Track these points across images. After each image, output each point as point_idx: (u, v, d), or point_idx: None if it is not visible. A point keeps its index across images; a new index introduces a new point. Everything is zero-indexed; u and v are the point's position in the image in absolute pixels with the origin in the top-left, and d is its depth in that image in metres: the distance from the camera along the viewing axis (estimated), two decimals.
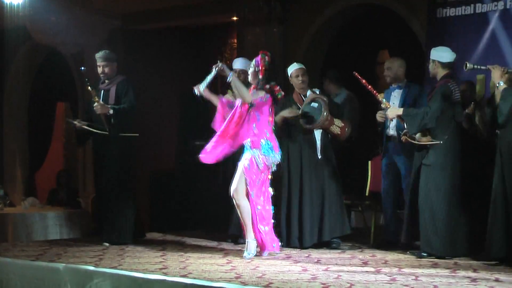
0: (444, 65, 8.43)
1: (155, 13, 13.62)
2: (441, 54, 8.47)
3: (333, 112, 9.21)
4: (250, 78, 8.38)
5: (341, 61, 12.18)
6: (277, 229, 8.93)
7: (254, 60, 8.29)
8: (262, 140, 8.16)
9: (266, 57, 8.22)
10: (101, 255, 8.45)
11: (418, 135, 8.32)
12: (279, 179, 10.03)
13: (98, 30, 13.26)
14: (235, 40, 13.61)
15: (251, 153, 8.18)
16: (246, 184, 8.16)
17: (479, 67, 8.05)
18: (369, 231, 9.88)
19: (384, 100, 8.69)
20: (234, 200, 8.25)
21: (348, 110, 9.81)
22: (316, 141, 9.17)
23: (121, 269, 7.42)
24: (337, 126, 9.20)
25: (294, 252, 8.75)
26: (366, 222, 10.31)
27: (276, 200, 10.48)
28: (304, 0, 12.37)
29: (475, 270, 7.39)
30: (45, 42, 13.52)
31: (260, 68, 8.19)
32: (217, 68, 8.25)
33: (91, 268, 7.49)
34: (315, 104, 9.13)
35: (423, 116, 8.21)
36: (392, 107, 8.61)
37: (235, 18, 13.33)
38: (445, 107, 8.26)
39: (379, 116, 8.90)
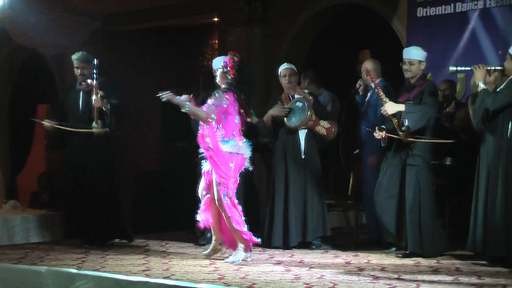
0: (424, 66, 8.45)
1: (136, 14, 13.59)
2: (424, 55, 8.46)
3: (318, 113, 9.23)
4: (218, 79, 8.12)
5: (322, 60, 12.20)
6: (260, 229, 8.96)
7: (222, 61, 8.13)
8: (229, 139, 7.94)
9: (235, 57, 8.02)
10: (84, 257, 8.43)
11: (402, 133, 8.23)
12: (264, 179, 10.08)
13: (79, 31, 13.20)
14: (216, 41, 13.60)
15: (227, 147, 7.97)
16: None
17: (463, 68, 8.00)
18: (351, 231, 9.90)
19: (383, 95, 8.41)
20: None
21: (332, 111, 9.81)
22: (300, 141, 9.19)
23: (104, 271, 7.39)
24: (323, 127, 9.22)
25: (277, 253, 8.75)
26: (349, 222, 10.33)
27: (258, 200, 10.56)
28: (285, 0, 12.37)
29: (457, 269, 7.42)
30: (25, 44, 13.43)
31: (228, 68, 7.99)
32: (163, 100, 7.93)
33: (74, 270, 7.45)
34: (299, 104, 9.15)
35: (425, 113, 8.16)
36: (390, 102, 8.34)
37: (216, 19, 13.32)
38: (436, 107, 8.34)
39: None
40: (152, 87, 13.66)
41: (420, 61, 8.41)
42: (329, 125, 9.26)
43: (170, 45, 14.12)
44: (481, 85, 7.67)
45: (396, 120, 8.22)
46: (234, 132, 7.97)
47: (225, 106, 7.85)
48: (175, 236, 10.30)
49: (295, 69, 9.46)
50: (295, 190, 9.13)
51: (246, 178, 9.46)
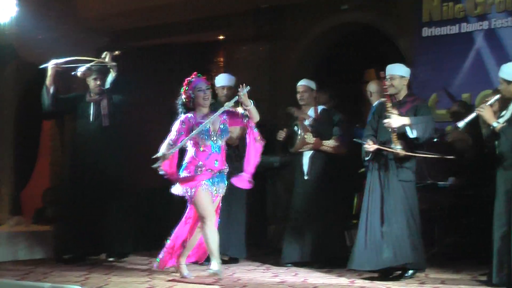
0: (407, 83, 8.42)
1: (142, 31, 13.64)
2: (408, 71, 8.41)
3: (322, 132, 9.22)
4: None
5: (329, 79, 12.22)
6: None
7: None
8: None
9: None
10: (87, 274, 8.42)
11: (396, 146, 8.18)
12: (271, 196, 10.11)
13: (86, 48, 13.23)
14: (222, 59, 13.63)
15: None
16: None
17: (470, 117, 7.82)
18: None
19: (391, 108, 8.23)
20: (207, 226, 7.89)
21: (342, 133, 9.74)
22: (302, 162, 9.20)
23: None
24: (328, 146, 9.20)
25: (281, 271, 8.74)
26: (353, 241, 10.28)
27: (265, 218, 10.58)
28: (292, 19, 12.42)
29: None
30: (32, 60, 13.49)
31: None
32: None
33: (78, 287, 7.45)
34: (296, 128, 9.21)
35: (429, 124, 8.11)
36: (395, 115, 8.17)
37: (222, 36, 13.36)
38: None
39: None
40: (157, 104, 13.75)
41: (401, 76, 8.30)
42: (336, 144, 9.23)
43: (176, 62, 14.14)
44: (495, 124, 7.57)
45: (395, 135, 8.15)
46: None
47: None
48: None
49: (310, 86, 9.44)
50: (302, 209, 9.21)
51: (249, 195, 9.50)
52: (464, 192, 9.28)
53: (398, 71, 8.31)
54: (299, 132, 9.14)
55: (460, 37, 10.39)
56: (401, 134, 8.06)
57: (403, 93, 8.33)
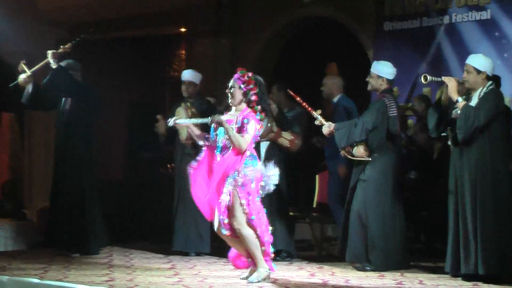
0: (389, 82, 8.44)
1: (103, 23, 13.53)
2: (388, 71, 8.44)
3: (282, 124, 9.21)
4: (231, 99, 7.44)
5: (290, 72, 12.23)
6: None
7: (235, 79, 7.41)
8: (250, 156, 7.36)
9: (251, 75, 7.44)
10: (47, 267, 8.35)
11: (354, 150, 8.27)
12: None
13: (46, 40, 13.11)
14: (184, 52, 13.59)
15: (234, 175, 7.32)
16: (244, 210, 7.29)
17: (435, 79, 7.82)
18: (316, 243, 9.91)
19: (319, 116, 8.44)
20: (236, 232, 7.31)
21: (300, 127, 9.75)
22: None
23: (67, 282, 7.33)
24: (285, 138, 9.19)
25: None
26: (314, 234, 10.32)
27: None
28: (253, 12, 12.41)
29: (421, 282, 7.45)
30: None
31: (251, 90, 7.38)
32: (212, 123, 7.46)
33: (36, 280, 7.39)
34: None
35: (350, 129, 8.21)
36: (326, 124, 8.38)
37: (183, 29, 13.31)
38: (378, 122, 8.25)
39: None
40: (119, 96, 13.68)
41: (378, 76, 8.39)
42: (292, 137, 9.22)
43: (137, 55, 14.07)
44: (460, 100, 7.52)
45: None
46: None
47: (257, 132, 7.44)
48: (139, 247, 10.24)
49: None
50: None
51: None
52: (425, 186, 9.33)
53: (377, 71, 8.43)
54: (265, 121, 9.07)
55: (421, 31, 10.47)
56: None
57: (381, 90, 8.40)
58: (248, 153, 7.32)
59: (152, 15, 13.06)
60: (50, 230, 9.75)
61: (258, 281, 7.25)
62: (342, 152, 8.37)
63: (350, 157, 8.32)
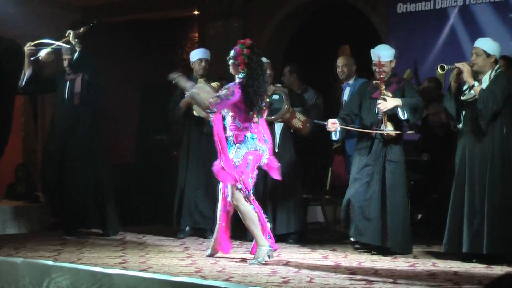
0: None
1: (115, 6, 13.54)
2: (391, 53, 8.34)
3: (295, 105, 9.19)
4: (230, 69, 7.63)
5: (302, 55, 12.21)
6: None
7: (233, 51, 7.54)
8: (247, 134, 7.49)
9: (245, 48, 7.49)
10: (60, 249, 8.38)
11: (383, 127, 8.17)
12: None
13: (58, 23, 13.12)
14: (196, 34, 13.57)
15: (235, 148, 7.52)
16: (242, 185, 7.44)
17: (450, 67, 7.77)
18: (329, 226, 9.91)
19: (385, 89, 8.14)
20: (235, 208, 7.53)
21: (315, 109, 9.77)
22: (275, 134, 9.14)
23: (80, 264, 7.35)
24: (299, 119, 9.16)
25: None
26: (327, 216, 10.33)
27: None
28: None
29: (434, 264, 7.45)
30: (2, 34, 13.33)
31: (238, 61, 7.50)
32: (173, 81, 7.77)
33: (50, 262, 7.40)
34: (276, 97, 9.10)
35: (419, 104, 8.11)
36: (390, 97, 8.10)
37: (196, 12, 13.29)
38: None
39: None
40: (130, 80, 13.68)
41: (390, 61, 8.31)
42: (305, 118, 9.21)
43: (150, 38, 14.08)
44: (476, 84, 7.54)
45: (386, 116, 8.16)
46: (252, 125, 7.50)
47: (230, 100, 7.39)
48: (152, 229, 10.26)
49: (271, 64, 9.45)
50: (270, 183, 9.07)
51: None
52: (437, 168, 9.32)
53: (387, 57, 8.27)
54: (283, 101, 9.05)
55: (435, 13, 10.42)
56: (391, 115, 8.08)
57: (390, 73, 8.33)
58: (249, 134, 7.43)
59: None
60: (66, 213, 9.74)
61: (259, 261, 7.33)
62: (334, 126, 8.20)
63: (384, 132, 8.17)
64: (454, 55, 9.70)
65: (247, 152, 7.49)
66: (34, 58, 9.54)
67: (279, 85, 9.34)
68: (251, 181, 7.55)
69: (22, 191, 12.51)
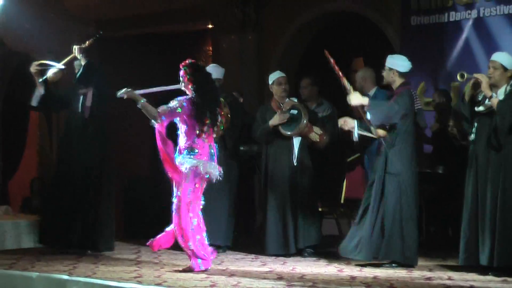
0: (401, 74, 8.28)
1: (130, 20, 13.58)
2: (399, 63, 8.31)
3: (312, 119, 9.20)
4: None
5: (315, 68, 12.20)
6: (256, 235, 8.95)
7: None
8: (192, 147, 7.70)
9: (187, 69, 7.82)
10: (75, 263, 8.40)
11: (373, 130, 8.21)
12: (258, 185, 10.04)
13: (72, 37, 13.17)
14: (210, 47, 13.60)
15: (179, 158, 7.76)
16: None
17: (470, 76, 7.80)
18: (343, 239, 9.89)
19: (348, 84, 8.34)
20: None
21: (331, 122, 9.76)
22: (294, 148, 9.14)
23: (95, 278, 7.37)
24: (316, 133, 9.19)
25: (269, 260, 8.74)
26: (341, 229, 10.31)
27: (254, 207, 10.56)
28: (279, 7, 12.40)
29: (450, 277, 7.42)
30: (18, 48, 13.43)
31: (185, 81, 7.80)
32: (125, 94, 7.85)
33: (65, 277, 7.43)
34: (294, 111, 9.12)
35: (390, 109, 8.09)
36: (355, 93, 8.30)
37: (210, 26, 13.32)
38: (409, 110, 8.19)
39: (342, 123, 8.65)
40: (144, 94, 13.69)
41: (390, 68, 8.30)
42: (322, 132, 9.23)
43: (164, 51, 14.10)
44: (494, 96, 7.56)
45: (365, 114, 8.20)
46: (195, 140, 7.70)
47: (179, 112, 7.63)
48: None
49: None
50: (288, 197, 9.09)
51: (235, 185, 9.50)
52: (452, 180, 9.29)
53: (389, 63, 8.31)
54: (302, 116, 9.06)
55: (449, 25, 10.41)
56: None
57: (398, 83, 8.32)
58: (192, 148, 7.68)
59: (178, 11, 13.08)
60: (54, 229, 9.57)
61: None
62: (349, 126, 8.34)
63: (368, 135, 8.23)
64: (469, 67, 9.67)
65: (189, 165, 7.66)
66: (42, 79, 9.57)
67: (294, 99, 9.35)
68: (189, 192, 7.72)
69: (37, 205, 12.53)
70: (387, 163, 8.11)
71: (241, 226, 9.90)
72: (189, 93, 7.79)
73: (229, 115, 9.19)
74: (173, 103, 7.66)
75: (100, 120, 9.66)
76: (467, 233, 7.69)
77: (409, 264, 8.04)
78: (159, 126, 7.69)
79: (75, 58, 9.60)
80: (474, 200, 7.66)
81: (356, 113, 8.60)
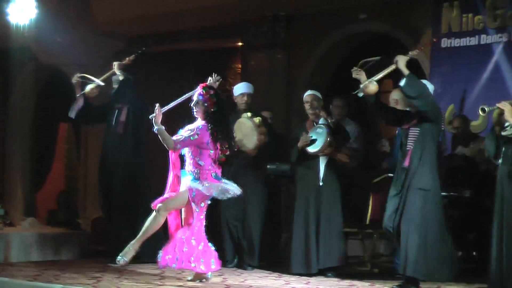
0: None
1: (159, 36, 13.65)
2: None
3: (340, 138, 9.17)
4: (195, 111, 8.07)
5: (344, 88, 12.17)
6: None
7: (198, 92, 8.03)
8: (211, 173, 7.90)
9: (210, 90, 7.97)
10: (99, 277, 8.42)
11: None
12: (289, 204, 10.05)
13: (102, 52, 13.29)
14: (239, 65, 13.63)
15: (196, 184, 7.88)
16: (193, 212, 7.89)
17: (492, 108, 7.77)
18: (368, 260, 9.84)
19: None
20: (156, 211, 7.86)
21: (358, 142, 9.77)
22: (319, 168, 9.12)
23: None
24: (345, 153, 9.19)
25: (292, 279, 8.71)
26: (366, 250, 10.25)
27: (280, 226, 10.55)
28: (308, 27, 12.42)
29: None
30: (49, 62, 13.54)
31: (207, 103, 7.92)
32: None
33: None
34: (319, 130, 9.10)
35: (424, 87, 8.02)
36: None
37: (239, 43, 13.36)
38: (438, 113, 8.14)
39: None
40: (175, 110, 13.73)
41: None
42: (350, 152, 9.22)
43: (193, 68, 14.14)
44: None
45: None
46: (209, 167, 7.89)
47: (193, 140, 7.82)
48: None
49: (319, 96, 9.42)
50: (313, 217, 9.08)
51: (264, 203, 9.52)
52: (479, 204, 9.23)
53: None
54: (325, 135, 9.05)
55: (479, 48, 10.36)
56: None
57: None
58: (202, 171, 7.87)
59: (208, 28, 13.13)
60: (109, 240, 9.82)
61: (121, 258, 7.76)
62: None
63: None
64: (498, 92, 9.64)
65: (215, 190, 7.84)
66: (82, 92, 9.70)
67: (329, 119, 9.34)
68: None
69: (63, 218, 12.59)
70: (414, 177, 8.00)
71: (266, 245, 9.87)
72: (200, 113, 7.96)
73: (265, 135, 9.26)
74: (186, 133, 7.86)
75: (135, 137, 9.76)
76: (496, 258, 7.61)
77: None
78: (174, 153, 7.92)
79: (114, 74, 9.72)
80: (499, 225, 7.58)
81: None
